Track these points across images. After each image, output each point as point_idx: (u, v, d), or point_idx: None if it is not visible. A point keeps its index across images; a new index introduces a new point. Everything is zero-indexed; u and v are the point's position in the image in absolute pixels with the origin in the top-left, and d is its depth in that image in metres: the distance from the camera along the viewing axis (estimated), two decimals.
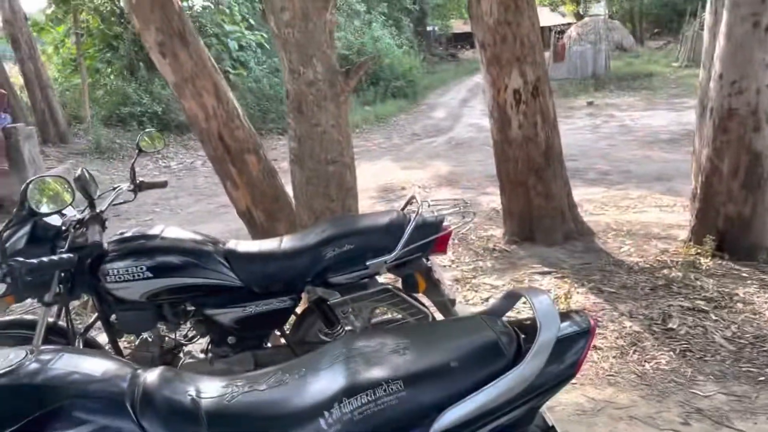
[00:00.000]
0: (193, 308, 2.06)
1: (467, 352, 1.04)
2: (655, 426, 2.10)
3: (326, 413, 0.97)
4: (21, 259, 1.45)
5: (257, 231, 4.48)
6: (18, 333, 1.95)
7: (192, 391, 1.06)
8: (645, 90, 15.65)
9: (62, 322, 1.97)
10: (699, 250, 4.02)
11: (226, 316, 2.01)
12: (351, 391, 1.00)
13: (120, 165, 9.63)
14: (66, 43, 13.68)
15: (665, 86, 15.64)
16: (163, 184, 2.39)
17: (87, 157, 9.74)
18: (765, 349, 2.57)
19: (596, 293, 3.41)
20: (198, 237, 2.09)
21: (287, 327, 2.27)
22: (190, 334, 2.22)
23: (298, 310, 2.20)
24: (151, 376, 1.08)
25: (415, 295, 2.13)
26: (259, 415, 1.01)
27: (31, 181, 1.56)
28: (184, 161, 10.32)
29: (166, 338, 2.15)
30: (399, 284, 2.15)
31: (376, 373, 1.02)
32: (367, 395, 0.99)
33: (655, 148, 8.91)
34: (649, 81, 16.53)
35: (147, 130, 2.28)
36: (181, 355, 2.19)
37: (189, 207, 7.57)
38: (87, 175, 1.95)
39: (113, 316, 2.00)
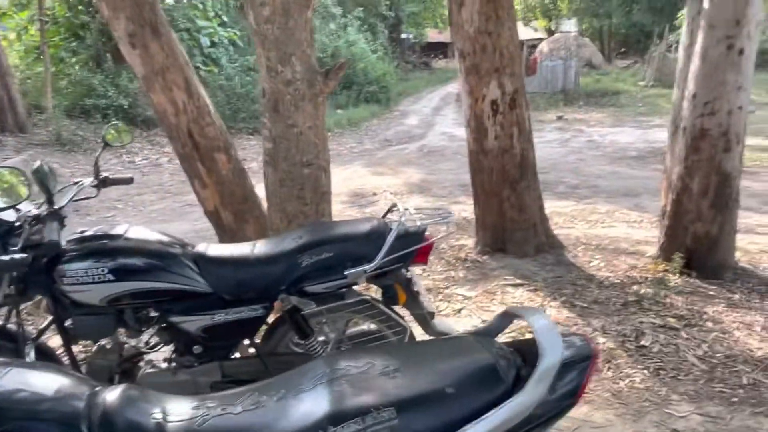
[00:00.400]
0: (156, 314, 1.93)
1: (463, 376, 0.96)
2: None
3: None
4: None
5: (225, 232, 4.34)
6: None
7: (158, 414, 0.95)
8: (612, 107, 15.99)
9: (12, 325, 1.82)
10: (667, 267, 4.06)
11: (193, 323, 1.89)
12: (338, 418, 0.91)
13: (82, 158, 9.29)
14: (29, 30, 13.17)
15: (632, 104, 16.01)
16: (128, 180, 2.25)
17: (47, 148, 9.37)
18: (736, 369, 2.58)
19: (569, 307, 3.40)
20: (165, 238, 1.97)
21: (257, 337, 2.15)
22: (152, 342, 2.08)
23: (270, 319, 2.09)
24: (112, 395, 0.97)
25: (393, 307, 2.05)
26: None
27: None
28: (149, 157, 10.03)
29: (126, 346, 2.01)
30: (377, 295, 2.07)
31: (366, 398, 0.93)
32: (355, 423, 0.90)
33: (623, 164, 9.07)
34: (617, 98, 16.90)
35: (113, 122, 2.14)
36: (142, 364, 2.04)
37: (153, 204, 7.34)
38: (46, 168, 1.79)
39: (68, 321, 1.86)
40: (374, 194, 7.54)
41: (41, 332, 1.97)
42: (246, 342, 2.09)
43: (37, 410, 0.90)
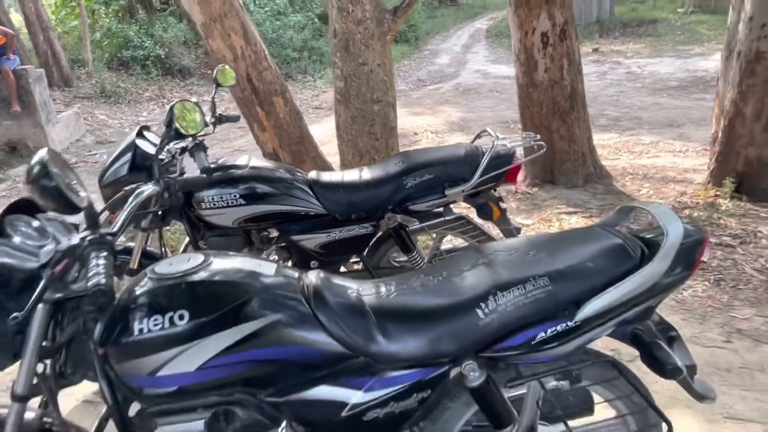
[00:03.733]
0: (277, 234, 2.18)
1: (599, 254, 1.16)
2: (700, 344, 2.28)
3: (482, 304, 1.11)
4: (172, 176, 1.54)
5: None
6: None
7: (353, 291, 1.19)
8: (650, 37, 15.46)
9: (151, 248, 2.08)
10: (718, 192, 4.16)
11: (311, 241, 2.15)
12: (504, 285, 1.13)
13: (127, 109, 9.56)
14: None
15: (671, 33, 15.45)
16: (237, 118, 2.45)
17: (93, 101, 9.64)
18: None
19: None
20: (282, 167, 2.19)
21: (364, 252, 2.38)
22: (273, 259, 2.34)
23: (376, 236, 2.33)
24: (312, 277, 1.21)
25: (483, 224, 2.26)
26: (420, 308, 1.14)
27: (176, 103, 1.64)
28: None
29: None
30: (470, 214, 2.28)
31: (524, 271, 1.15)
32: (518, 289, 1.12)
33: (664, 94, 8.94)
34: (654, 27, 16.29)
35: (221, 65, 2.33)
36: None
37: None
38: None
39: (201, 243, 2.12)
40: (415, 134, 7.65)
41: (183, 253, 2.24)
42: (354, 258, 2.34)
43: (268, 285, 1.14)
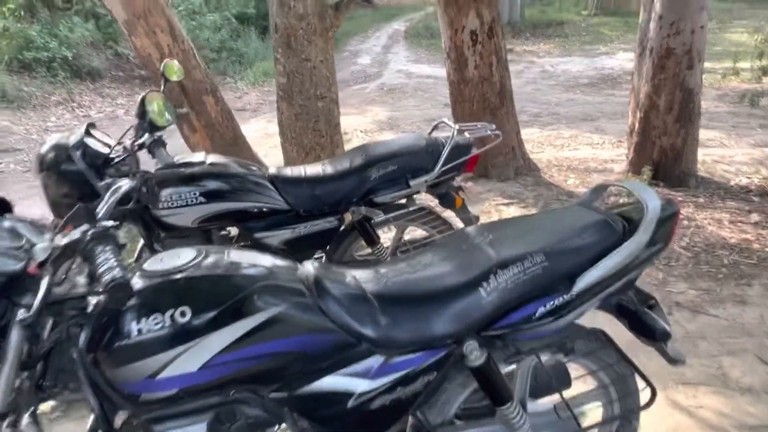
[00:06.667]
0: (237, 233, 2.11)
1: (587, 230, 1.22)
2: None
3: (484, 283, 1.13)
4: (149, 170, 1.44)
5: None
6: None
7: (351, 278, 1.18)
8: (558, 37, 16.30)
9: None
10: (637, 180, 4.46)
11: (275, 238, 2.09)
12: (503, 263, 1.16)
13: (32, 114, 8.89)
14: None
15: (577, 34, 16.37)
16: (186, 115, 2.34)
17: None
18: (716, 254, 3.00)
19: None
20: (242, 162, 2.12)
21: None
22: None
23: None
24: (310, 267, 1.19)
25: (441, 213, 2.29)
26: (422, 290, 1.15)
27: (147, 94, 1.51)
28: (104, 110, 9.69)
29: None
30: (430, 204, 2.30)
31: (520, 249, 1.18)
32: (516, 266, 1.15)
33: (577, 91, 9.46)
34: (562, 29, 17.21)
35: (168, 59, 2.21)
36: None
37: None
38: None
39: (157, 245, 2.01)
40: (346, 133, 7.60)
41: (138, 258, 2.10)
42: (318, 253, 2.30)
43: (269, 276, 1.10)
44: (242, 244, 2.13)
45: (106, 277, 0.92)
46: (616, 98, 8.46)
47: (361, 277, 1.20)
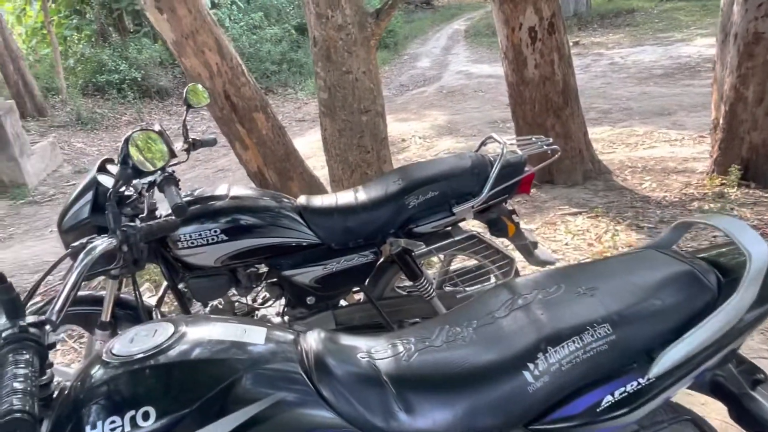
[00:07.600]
0: (266, 270, 1.95)
1: (667, 286, 0.95)
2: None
3: (530, 365, 0.88)
4: (133, 224, 1.29)
5: None
6: (81, 310, 1.82)
7: (363, 353, 0.96)
8: (629, 27, 15.42)
9: (125, 295, 1.85)
10: (724, 181, 4.00)
11: (306, 275, 1.90)
12: (555, 339, 0.90)
13: (105, 135, 9.28)
14: (27, 12, 12.96)
15: (649, 21, 15.42)
16: (213, 142, 2.22)
17: (69, 129, 9.36)
18: None
19: (636, 230, 3.37)
20: (267, 194, 1.96)
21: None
22: (263, 298, 2.10)
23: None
24: (312, 339, 0.98)
25: (496, 240, 2.04)
26: (451, 373, 0.91)
27: (131, 135, 1.36)
28: (170, 128, 9.97)
29: (237, 303, 2.04)
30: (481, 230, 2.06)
31: (577, 317, 0.93)
32: (573, 342, 0.90)
33: (651, 83, 8.82)
34: (632, 17, 16.27)
35: (191, 85, 2.10)
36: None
37: (185, 174, 7.34)
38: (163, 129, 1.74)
39: (181, 285, 1.88)
40: (403, 140, 7.46)
41: (161, 299, 1.99)
42: (355, 289, 2.11)
43: (258, 359, 0.90)
44: (272, 281, 1.97)
45: (1, 408, 0.70)
46: (695, 89, 7.79)
47: (375, 351, 0.97)
